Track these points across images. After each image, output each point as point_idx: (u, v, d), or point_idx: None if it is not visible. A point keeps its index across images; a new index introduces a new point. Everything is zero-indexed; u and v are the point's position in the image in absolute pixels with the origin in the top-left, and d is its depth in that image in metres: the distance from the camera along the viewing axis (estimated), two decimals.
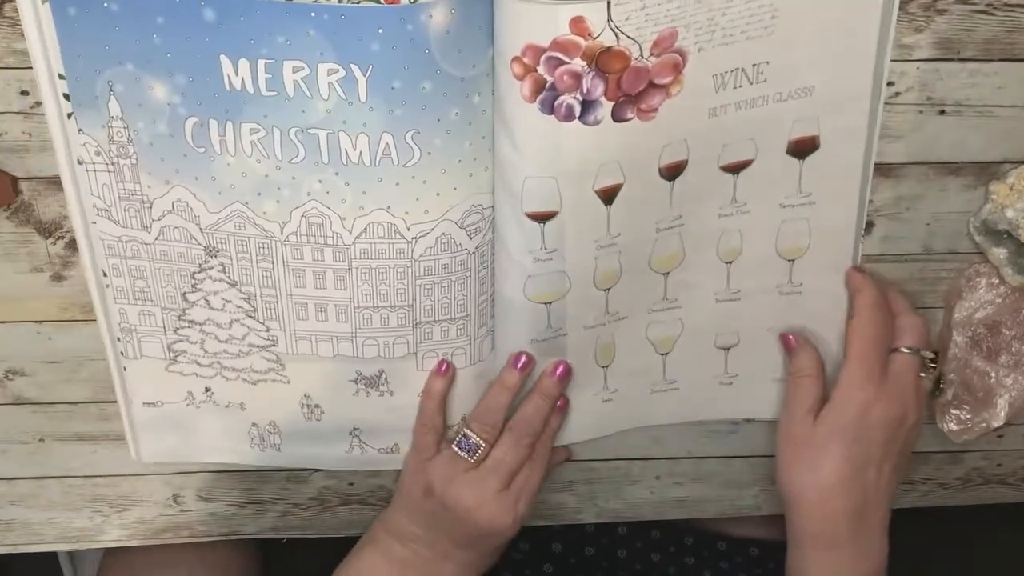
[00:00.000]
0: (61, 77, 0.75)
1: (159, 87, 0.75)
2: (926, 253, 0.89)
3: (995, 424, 0.92)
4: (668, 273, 0.87)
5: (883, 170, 0.85)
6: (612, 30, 0.72)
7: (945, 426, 0.93)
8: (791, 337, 0.89)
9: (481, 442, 0.87)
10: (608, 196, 0.80)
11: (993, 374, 0.91)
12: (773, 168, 0.84)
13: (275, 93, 0.74)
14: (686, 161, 0.81)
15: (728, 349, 0.92)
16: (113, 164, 0.78)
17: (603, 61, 0.73)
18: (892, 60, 0.80)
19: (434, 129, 0.75)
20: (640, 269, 0.86)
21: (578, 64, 0.73)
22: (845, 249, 0.87)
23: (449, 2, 0.70)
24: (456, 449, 0.87)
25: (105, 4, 0.72)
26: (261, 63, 0.72)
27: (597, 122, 0.75)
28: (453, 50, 0.72)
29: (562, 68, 0.73)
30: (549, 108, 0.74)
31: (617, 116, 0.76)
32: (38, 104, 0.78)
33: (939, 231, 0.88)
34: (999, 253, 0.87)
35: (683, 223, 0.85)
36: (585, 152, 0.77)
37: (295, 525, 1.00)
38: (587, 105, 0.75)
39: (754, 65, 0.78)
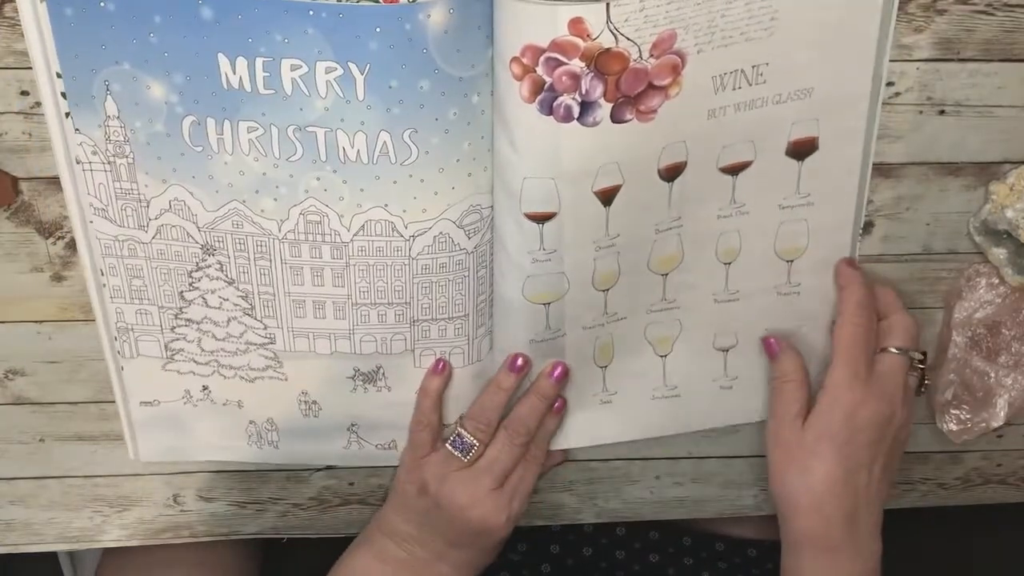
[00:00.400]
0: (59, 76, 0.75)
1: (156, 86, 0.75)
2: (926, 253, 0.89)
3: (995, 424, 0.92)
4: (667, 274, 0.87)
5: (883, 170, 0.84)
6: (611, 31, 0.72)
7: (945, 426, 0.93)
8: (772, 341, 0.88)
9: (475, 442, 0.87)
10: (607, 197, 0.80)
11: (993, 374, 0.91)
12: (772, 169, 0.83)
13: (273, 91, 0.74)
14: (685, 162, 0.81)
15: (727, 351, 0.92)
16: (110, 163, 0.78)
17: (602, 62, 0.73)
18: (892, 60, 0.80)
19: (432, 128, 0.75)
20: (639, 270, 0.86)
21: (577, 65, 0.73)
22: (842, 248, 0.87)
23: (448, 2, 0.70)
24: (450, 448, 0.88)
25: (102, 3, 0.72)
26: (259, 61, 0.73)
27: (596, 123, 0.75)
28: (452, 50, 0.72)
29: (561, 69, 0.73)
30: (548, 109, 0.74)
31: (616, 117, 0.75)
32: (38, 104, 0.78)
33: (939, 231, 0.88)
34: (999, 253, 0.87)
35: (682, 224, 0.84)
36: (584, 153, 0.77)
37: (295, 525, 1.00)
38: (586, 106, 0.74)
39: (753, 66, 0.78)
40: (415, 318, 0.84)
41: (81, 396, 0.92)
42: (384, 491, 0.97)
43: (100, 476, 0.96)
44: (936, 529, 1.14)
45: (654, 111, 0.77)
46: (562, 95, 0.74)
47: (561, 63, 0.72)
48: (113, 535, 1.00)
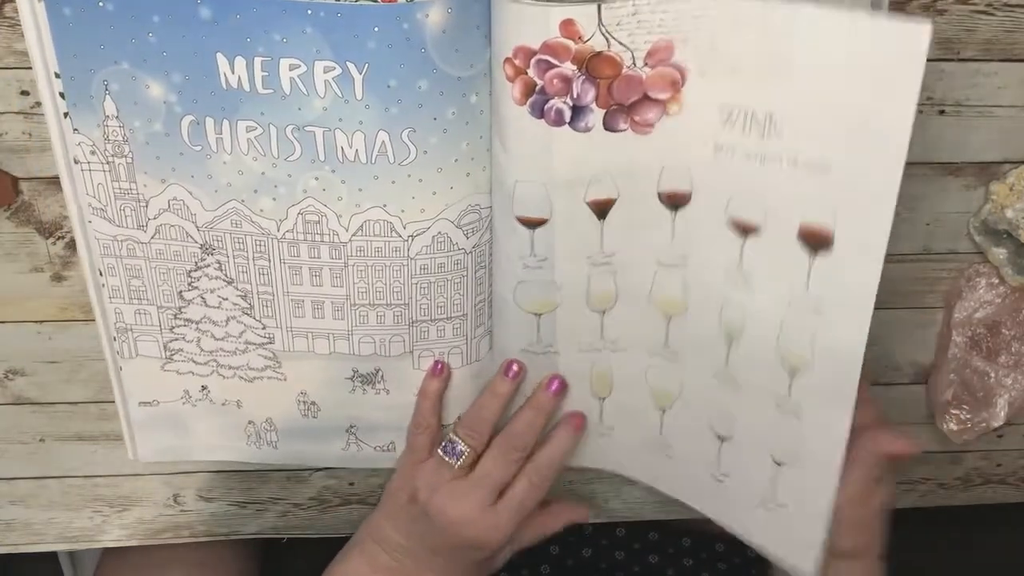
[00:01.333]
0: (58, 76, 0.75)
1: (155, 86, 0.75)
2: (926, 253, 0.89)
3: (995, 424, 0.92)
4: (671, 317, 0.83)
5: None
6: (603, 34, 0.70)
7: (945, 426, 0.93)
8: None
9: (466, 448, 0.86)
10: (601, 210, 0.78)
11: (993, 374, 0.91)
12: (782, 249, 0.74)
13: (271, 91, 0.73)
14: (689, 194, 0.77)
15: (723, 441, 0.85)
16: (108, 163, 0.78)
17: (593, 66, 0.71)
18: None
19: (430, 128, 0.75)
20: (639, 300, 0.82)
21: (568, 68, 0.71)
22: (850, 379, 0.75)
23: (446, 1, 0.70)
24: (441, 454, 0.86)
25: (100, 3, 0.72)
26: (258, 61, 0.72)
27: (588, 129, 0.74)
28: (450, 49, 0.72)
29: (552, 71, 0.71)
30: (539, 112, 0.73)
31: (609, 125, 0.74)
32: (38, 104, 0.78)
33: (939, 231, 0.88)
34: (999, 253, 0.87)
35: (687, 266, 0.80)
36: (575, 159, 0.75)
37: (295, 525, 1.00)
38: (577, 111, 0.73)
39: (767, 113, 0.70)
40: (414, 319, 0.84)
41: (81, 396, 0.92)
42: (383, 492, 0.97)
43: (100, 476, 0.96)
44: (936, 529, 1.14)
45: (651, 124, 0.74)
46: (553, 98, 0.73)
47: (552, 65, 0.71)
48: (113, 535, 1.00)
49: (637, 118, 0.74)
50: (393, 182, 0.77)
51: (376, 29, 0.71)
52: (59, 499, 0.98)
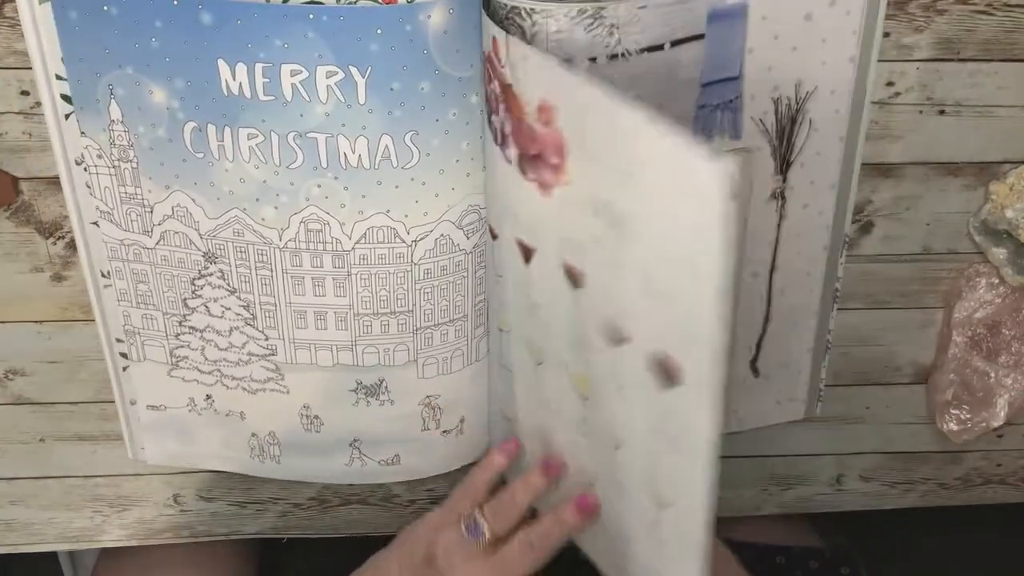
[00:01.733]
0: (59, 78, 0.75)
1: (158, 91, 0.74)
2: (926, 253, 0.89)
3: (995, 424, 0.92)
4: (584, 398, 0.75)
5: (883, 170, 0.84)
6: (510, 66, 0.66)
7: (945, 426, 0.93)
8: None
9: (487, 531, 0.82)
10: (525, 254, 0.73)
11: (993, 374, 0.91)
12: (641, 373, 0.64)
13: (273, 98, 0.73)
14: (584, 275, 0.68)
15: (624, 542, 0.79)
16: (115, 167, 0.78)
17: (506, 97, 0.68)
18: (892, 60, 0.79)
19: (432, 130, 0.75)
20: (561, 368, 0.76)
21: (496, 87, 0.69)
22: (697, 530, 0.66)
23: (447, 2, 0.70)
24: (463, 528, 0.83)
25: (105, 7, 0.71)
26: (259, 67, 0.72)
27: (510, 161, 0.70)
28: (451, 50, 0.72)
29: (491, 85, 0.70)
30: (489, 120, 0.72)
31: (522, 168, 0.69)
32: (38, 104, 0.78)
33: (939, 231, 0.88)
34: (999, 253, 0.87)
35: (590, 351, 0.71)
36: (504, 186, 0.72)
37: (295, 525, 1.00)
38: (504, 137, 0.70)
39: (621, 215, 0.61)
40: (418, 326, 0.83)
41: (81, 396, 0.92)
42: (385, 491, 0.97)
43: (100, 476, 0.96)
44: (936, 529, 1.15)
45: (549, 187, 0.67)
46: (493, 113, 0.71)
47: (491, 79, 0.70)
48: (113, 535, 1.00)
49: (538, 175, 0.68)
50: (396, 187, 0.77)
51: (379, 31, 0.70)
52: (59, 499, 0.98)
